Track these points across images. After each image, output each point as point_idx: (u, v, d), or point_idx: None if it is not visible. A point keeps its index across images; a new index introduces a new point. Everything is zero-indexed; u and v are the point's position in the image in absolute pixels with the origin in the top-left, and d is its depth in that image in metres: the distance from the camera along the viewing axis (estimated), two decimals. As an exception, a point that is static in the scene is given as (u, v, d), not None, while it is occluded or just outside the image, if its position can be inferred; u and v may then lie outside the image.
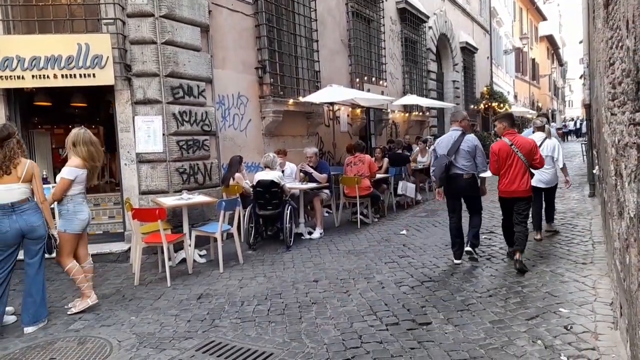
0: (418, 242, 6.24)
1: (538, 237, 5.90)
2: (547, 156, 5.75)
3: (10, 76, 5.66)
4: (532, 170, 4.99)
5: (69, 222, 4.11)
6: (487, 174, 5.19)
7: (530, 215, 5.43)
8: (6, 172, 3.70)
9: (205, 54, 6.98)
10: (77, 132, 4.25)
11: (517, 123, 9.85)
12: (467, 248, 5.18)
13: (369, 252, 5.86)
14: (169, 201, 5.64)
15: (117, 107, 6.25)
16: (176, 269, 5.50)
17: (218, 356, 3.25)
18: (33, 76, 5.73)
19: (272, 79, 8.45)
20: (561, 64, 53.05)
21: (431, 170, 5.56)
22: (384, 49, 12.79)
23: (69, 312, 4.11)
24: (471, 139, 5.10)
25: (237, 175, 6.75)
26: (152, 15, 6.18)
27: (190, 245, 5.49)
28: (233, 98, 7.75)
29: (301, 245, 6.48)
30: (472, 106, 20.51)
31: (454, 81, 18.56)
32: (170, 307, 4.26)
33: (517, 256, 4.74)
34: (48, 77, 5.77)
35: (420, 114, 15.14)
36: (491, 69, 24.00)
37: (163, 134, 6.27)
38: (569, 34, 52.85)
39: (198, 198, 5.91)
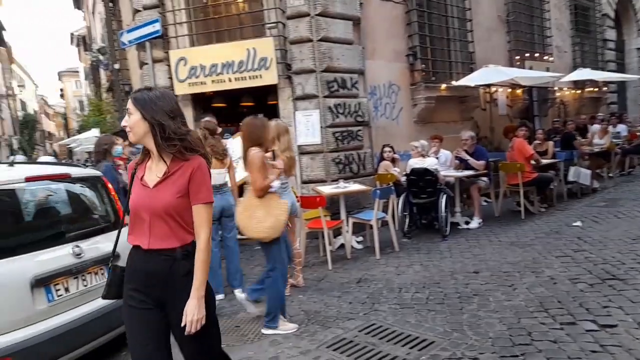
0: (596, 235, 5.51)
1: None
2: None
3: (196, 83, 6.60)
4: None
5: None
6: None
7: None
8: (222, 160, 4.48)
9: (357, 47, 7.15)
10: (278, 124, 4.49)
11: None
12: None
13: (536, 245, 5.39)
14: (327, 190, 5.96)
15: (280, 104, 6.82)
16: (335, 253, 5.80)
17: (380, 338, 3.36)
18: (212, 81, 6.59)
19: (423, 65, 8.28)
20: None
21: None
22: (549, 20, 11.50)
23: None
24: None
25: (383, 163, 6.81)
26: (308, 14, 6.55)
27: (347, 232, 5.74)
28: (384, 87, 7.81)
29: (458, 235, 6.26)
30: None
31: (638, 49, 15.77)
32: (333, 288, 4.53)
33: None
34: (224, 81, 6.56)
35: (595, 89, 13.24)
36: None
37: (320, 127, 6.64)
38: None
39: (354, 186, 6.12)
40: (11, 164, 3.37)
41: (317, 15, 6.57)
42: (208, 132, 4.49)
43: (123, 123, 1.98)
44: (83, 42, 24.96)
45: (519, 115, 10.61)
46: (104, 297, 2.13)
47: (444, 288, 4.27)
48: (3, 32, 23.54)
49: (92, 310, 3.07)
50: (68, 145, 22.52)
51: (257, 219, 3.50)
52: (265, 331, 3.63)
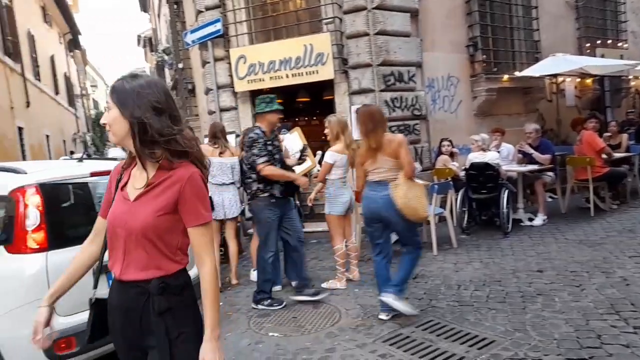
0: (676, 235, 5.12)
1: None
2: None
3: (254, 80, 6.78)
4: None
5: (332, 205, 4.47)
6: None
7: None
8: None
9: (415, 39, 7.03)
10: (340, 119, 4.55)
11: None
12: None
13: (607, 244, 5.08)
14: (383, 184, 5.92)
15: (336, 99, 6.85)
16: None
17: (437, 335, 3.32)
18: (270, 78, 6.74)
19: (484, 56, 8.00)
20: None
21: None
22: (624, 3, 10.71)
23: (322, 285, 4.57)
24: None
25: (441, 157, 6.65)
26: (365, 8, 6.52)
27: (404, 227, 5.67)
28: (443, 80, 7.63)
29: (520, 232, 6.02)
30: None
31: None
32: (389, 283, 4.51)
33: None
34: (281, 77, 6.69)
35: (677, 77, 12.17)
36: None
37: (377, 121, 6.60)
38: None
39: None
40: (80, 160, 3.62)
41: (374, 8, 6.52)
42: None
43: (102, 120, 1.59)
44: (149, 43, 26.24)
45: (588, 106, 9.98)
46: (89, 342, 1.74)
47: (505, 286, 4.13)
48: (79, 36, 25.23)
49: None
50: (136, 141, 23.76)
51: (418, 198, 3.53)
52: (387, 298, 3.55)
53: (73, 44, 25.24)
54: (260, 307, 4.13)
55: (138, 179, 1.58)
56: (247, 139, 4.10)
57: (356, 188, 3.94)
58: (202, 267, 1.56)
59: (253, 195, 4.13)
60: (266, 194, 4.04)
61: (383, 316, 3.67)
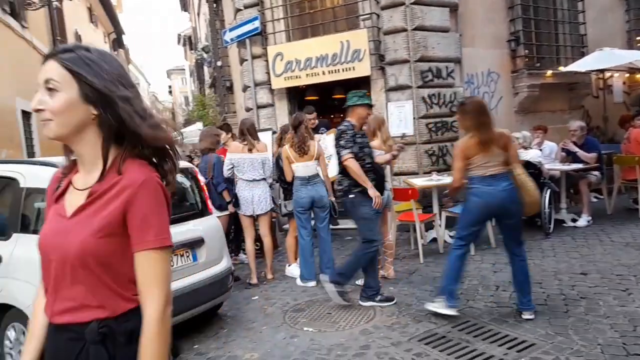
0: None
1: None
2: None
3: (291, 77, 6.83)
4: None
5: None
6: None
7: None
8: (305, 152, 4.60)
9: (454, 34, 6.90)
10: (376, 116, 4.56)
11: None
12: None
13: (657, 247, 4.84)
14: (419, 182, 5.86)
15: (372, 96, 6.79)
16: (427, 247, 5.70)
17: (474, 336, 3.26)
18: (307, 75, 6.77)
19: (526, 51, 7.76)
20: None
21: None
22: (680, -7, 10.09)
23: (357, 282, 4.43)
24: None
25: None
26: (403, 3, 6.44)
27: (440, 226, 5.60)
28: (482, 76, 7.45)
29: (563, 233, 5.81)
30: None
31: None
32: (424, 282, 4.47)
33: None
34: (318, 74, 6.71)
35: None
36: None
37: (413, 118, 6.53)
38: None
39: (447, 179, 5.93)
40: None
41: (412, 3, 6.43)
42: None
43: (37, 105, 1.12)
44: (189, 41, 26.90)
45: (638, 102, 9.49)
46: None
47: (547, 289, 4.02)
48: (122, 35, 26.10)
49: (177, 288, 3.32)
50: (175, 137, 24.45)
51: None
52: (529, 316, 3.44)
53: (117, 43, 26.12)
54: (337, 289, 3.95)
55: (78, 187, 1.18)
56: (336, 132, 4.08)
57: (454, 183, 3.70)
58: (146, 309, 1.11)
59: (346, 192, 3.97)
60: (360, 188, 3.88)
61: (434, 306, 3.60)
